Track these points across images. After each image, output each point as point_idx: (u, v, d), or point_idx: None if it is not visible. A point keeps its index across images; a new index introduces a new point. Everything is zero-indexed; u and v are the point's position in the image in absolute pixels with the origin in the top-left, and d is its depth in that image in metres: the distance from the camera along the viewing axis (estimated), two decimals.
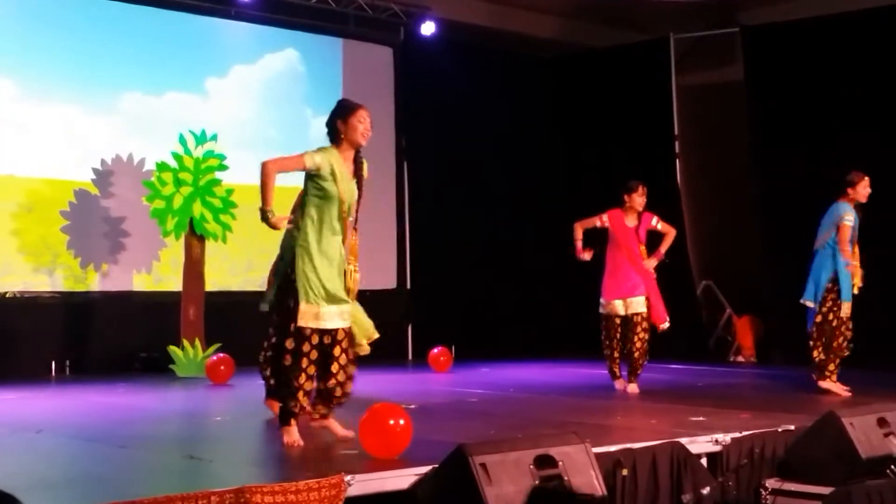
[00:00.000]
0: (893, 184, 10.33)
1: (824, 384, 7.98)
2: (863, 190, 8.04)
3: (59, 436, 6.00)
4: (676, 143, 12.68)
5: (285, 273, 5.52)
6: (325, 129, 5.56)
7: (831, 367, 8.02)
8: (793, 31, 11.57)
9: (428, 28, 12.41)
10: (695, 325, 12.18)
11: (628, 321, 8.27)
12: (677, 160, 12.62)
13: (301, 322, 5.30)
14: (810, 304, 8.07)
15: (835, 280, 7.99)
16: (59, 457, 5.37)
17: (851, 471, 5.57)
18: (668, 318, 8.34)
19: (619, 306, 8.28)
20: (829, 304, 8.01)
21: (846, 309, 8.01)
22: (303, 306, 5.31)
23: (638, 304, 8.26)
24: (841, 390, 7.92)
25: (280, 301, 5.60)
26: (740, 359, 12.11)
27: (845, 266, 7.92)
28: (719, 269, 12.65)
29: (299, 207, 5.54)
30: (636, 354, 8.22)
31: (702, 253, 12.70)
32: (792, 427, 5.91)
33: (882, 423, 5.84)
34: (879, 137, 10.65)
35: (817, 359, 8.04)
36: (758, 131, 11.81)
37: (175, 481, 4.64)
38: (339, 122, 5.48)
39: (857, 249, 8.08)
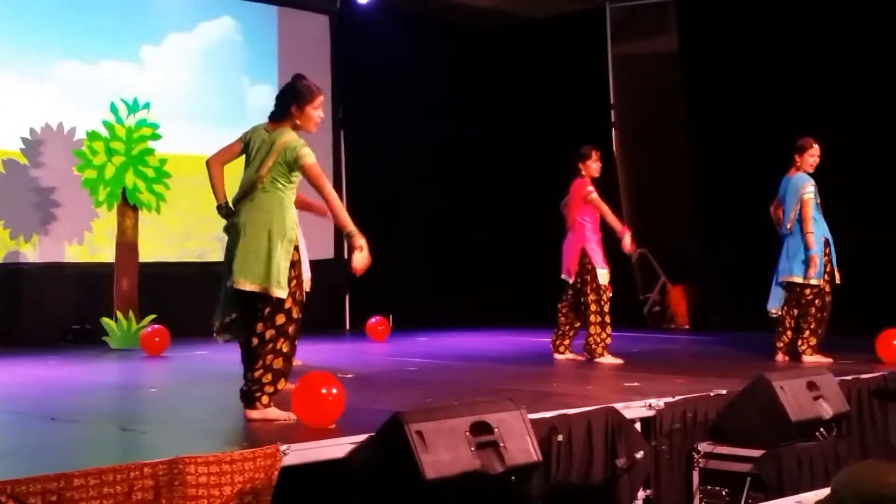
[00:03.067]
0: (829, 153, 10.50)
1: (813, 358, 7.75)
2: (809, 158, 7.84)
3: None
4: (612, 113, 12.75)
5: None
6: (275, 102, 5.27)
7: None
8: (727, 1, 11.65)
9: None
10: (630, 293, 12.31)
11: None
12: (613, 129, 12.69)
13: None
14: (814, 281, 7.73)
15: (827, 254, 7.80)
16: None
17: (782, 434, 5.67)
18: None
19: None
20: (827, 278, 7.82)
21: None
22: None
23: None
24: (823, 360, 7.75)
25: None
26: (674, 326, 12.28)
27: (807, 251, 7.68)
28: (654, 237, 12.78)
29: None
30: None
31: (637, 222, 12.79)
32: (724, 391, 6.00)
33: (811, 386, 5.95)
34: (814, 107, 10.77)
35: (814, 337, 7.83)
36: (692, 101, 11.91)
37: (108, 453, 4.58)
38: (294, 106, 5.24)
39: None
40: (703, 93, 11.79)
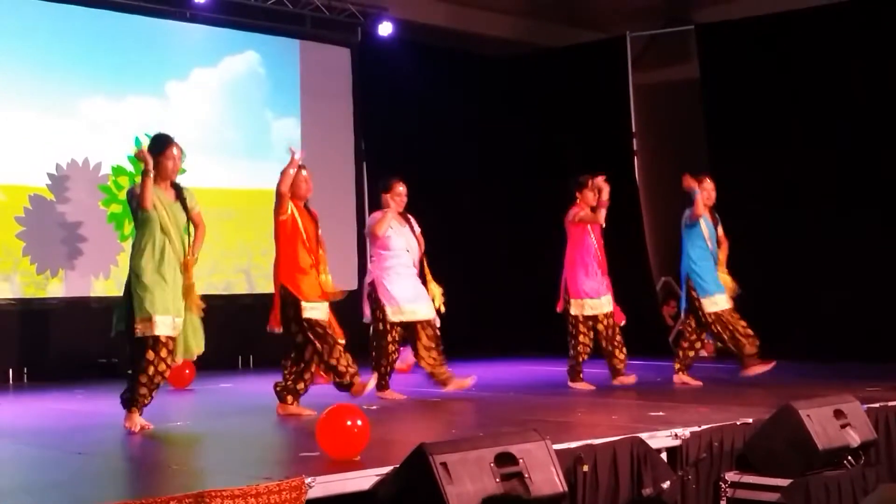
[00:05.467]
0: (850, 180, 10.47)
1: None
2: (703, 193, 8.51)
3: (14, 443, 5.95)
4: (634, 141, 12.76)
5: None
6: None
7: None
8: (747, 28, 11.66)
9: (385, 28, 12.40)
10: (654, 321, 12.26)
11: (598, 320, 8.30)
12: (635, 158, 12.70)
13: None
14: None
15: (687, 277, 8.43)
16: (14, 464, 5.32)
17: (809, 462, 5.64)
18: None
19: (603, 304, 8.31)
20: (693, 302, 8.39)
21: (708, 305, 8.31)
22: None
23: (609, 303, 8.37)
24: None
25: None
26: (703, 353, 12.18)
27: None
28: (678, 265, 12.71)
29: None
30: (619, 351, 8.39)
31: (661, 249, 12.77)
32: (750, 420, 5.97)
33: (838, 414, 5.92)
34: (834, 135, 10.74)
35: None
36: (713, 129, 11.90)
37: (135, 487, 4.61)
38: (157, 156, 6.35)
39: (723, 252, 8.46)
40: (724, 120, 11.78)
